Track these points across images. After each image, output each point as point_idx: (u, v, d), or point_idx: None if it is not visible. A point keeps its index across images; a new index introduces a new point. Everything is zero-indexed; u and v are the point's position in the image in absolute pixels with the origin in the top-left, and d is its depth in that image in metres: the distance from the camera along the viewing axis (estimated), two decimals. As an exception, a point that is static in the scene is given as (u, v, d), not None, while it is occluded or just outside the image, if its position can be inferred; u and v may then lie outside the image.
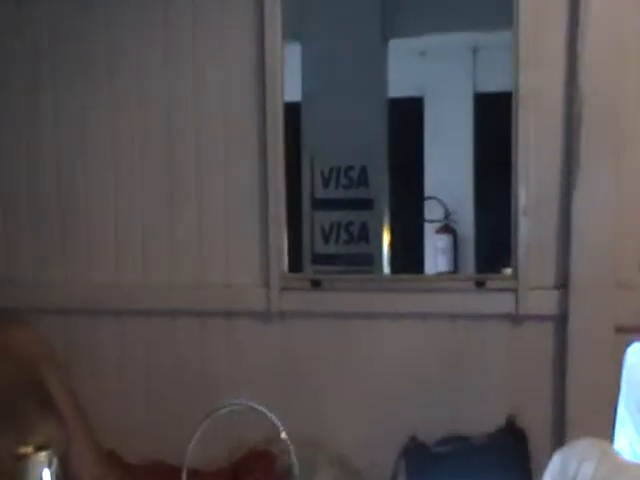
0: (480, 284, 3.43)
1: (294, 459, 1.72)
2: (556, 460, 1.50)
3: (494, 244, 6.63)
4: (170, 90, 3.59)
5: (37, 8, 3.61)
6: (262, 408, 1.70)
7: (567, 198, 3.28)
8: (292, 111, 3.77)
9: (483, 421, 3.31)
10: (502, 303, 3.38)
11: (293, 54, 4.00)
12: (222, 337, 3.57)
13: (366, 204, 5.17)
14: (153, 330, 3.60)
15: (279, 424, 1.71)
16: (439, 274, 6.34)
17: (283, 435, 1.71)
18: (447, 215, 6.71)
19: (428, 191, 6.78)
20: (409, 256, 6.60)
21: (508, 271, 3.52)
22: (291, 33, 3.78)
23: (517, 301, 3.35)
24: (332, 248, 5.14)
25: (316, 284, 3.54)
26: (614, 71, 3.19)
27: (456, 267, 6.66)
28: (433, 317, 3.40)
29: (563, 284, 3.30)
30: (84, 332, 3.56)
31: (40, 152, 3.66)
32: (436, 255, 6.69)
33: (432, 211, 6.74)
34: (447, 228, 6.70)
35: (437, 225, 6.72)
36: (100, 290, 3.62)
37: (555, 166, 3.32)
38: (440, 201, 6.71)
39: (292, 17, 3.66)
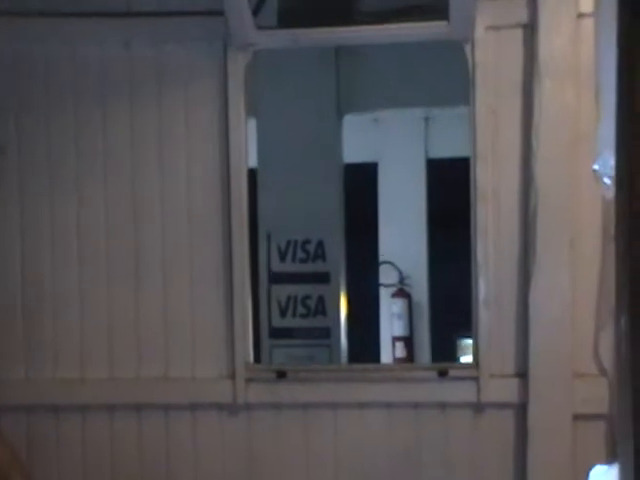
0: (442, 373, 3.43)
1: None
2: None
3: (448, 308, 6.73)
4: (135, 172, 3.58)
5: (5, 107, 3.60)
6: None
7: (525, 289, 3.32)
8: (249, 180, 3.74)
9: None
10: (464, 392, 3.39)
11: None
12: (187, 430, 3.52)
13: (323, 277, 5.18)
14: (117, 424, 3.54)
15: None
16: (400, 363, 6.43)
17: None
18: (402, 279, 6.78)
19: (383, 256, 6.85)
20: (366, 323, 6.66)
21: (465, 342, 3.55)
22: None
23: (479, 389, 3.36)
24: (289, 322, 5.16)
25: (281, 375, 3.50)
26: (567, 166, 3.26)
27: (411, 332, 6.73)
28: (396, 406, 3.39)
29: (522, 373, 3.32)
30: (47, 428, 3.48)
31: (4, 246, 3.61)
32: (392, 320, 6.75)
33: (387, 276, 6.81)
34: (402, 292, 6.76)
35: (392, 289, 6.80)
36: (64, 386, 3.56)
37: (513, 258, 3.36)
38: (395, 265, 6.79)
39: (249, 94, 3.66)
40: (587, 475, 2.06)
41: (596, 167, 1.70)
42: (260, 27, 3.34)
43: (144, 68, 3.55)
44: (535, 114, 3.29)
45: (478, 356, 3.40)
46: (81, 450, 3.50)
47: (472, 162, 3.38)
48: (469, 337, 5.63)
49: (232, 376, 3.50)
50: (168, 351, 3.56)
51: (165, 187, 3.57)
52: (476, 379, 3.37)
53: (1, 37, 3.54)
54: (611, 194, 2.11)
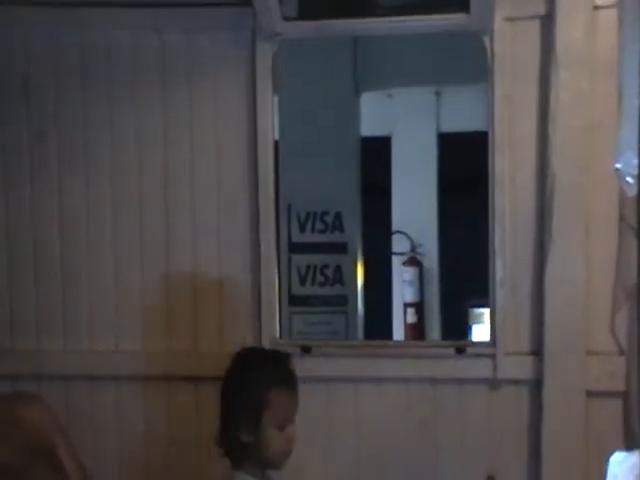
0: (459, 350, 3.43)
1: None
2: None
3: (458, 277, 6.72)
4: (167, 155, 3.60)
5: (43, 94, 3.60)
6: None
7: (540, 271, 3.30)
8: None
9: None
10: (480, 368, 3.38)
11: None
12: (215, 402, 3.53)
13: (341, 247, 5.21)
14: (149, 395, 3.56)
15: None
16: (411, 329, 6.45)
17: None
18: (413, 248, 6.77)
19: (395, 226, 6.85)
20: (379, 290, 6.66)
21: (476, 311, 3.55)
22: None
23: (495, 366, 3.36)
24: (308, 290, 5.18)
25: (306, 350, 3.49)
26: (582, 153, 3.22)
27: (422, 298, 6.74)
28: (414, 382, 3.39)
29: (537, 350, 3.31)
30: (84, 397, 3.52)
31: (43, 228, 3.63)
32: (403, 287, 6.76)
33: (399, 245, 6.82)
34: (413, 260, 6.76)
35: (404, 258, 6.80)
36: (99, 357, 3.58)
37: (529, 241, 3.35)
38: (406, 235, 6.79)
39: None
40: (604, 457, 2.06)
41: (618, 166, 1.67)
42: (285, 18, 3.32)
43: (175, 56, 3.54)
44: (551, 103, 3.25)
45: (495, 334, 3.40)
46: (114, 419, 3.53)
47: (490, 150, 3.35)
48: (480, 306, 5.68)
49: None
50: (197, 325, 3.56)
51: (195, 170, 3.56)
52: (492, 356, 3.36)
53: (37, 27, 3.52)
54: (634, 192, 2.10)
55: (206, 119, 3.56)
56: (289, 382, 2.80)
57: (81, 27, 3.53)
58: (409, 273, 6.74)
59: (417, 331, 6.55)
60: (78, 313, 3.60)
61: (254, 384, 2.73)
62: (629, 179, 1.58)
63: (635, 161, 1.39)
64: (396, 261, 6.84)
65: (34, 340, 3.60)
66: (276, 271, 3.60)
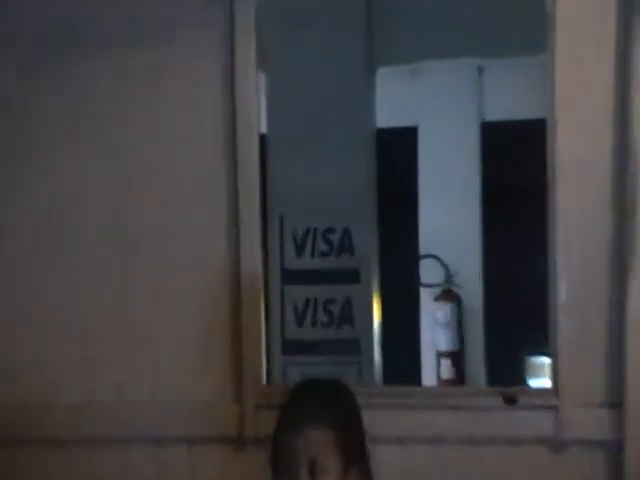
0: (510, 400, 3.46)
1: None
2: None
3: (511, 316, 6.74)
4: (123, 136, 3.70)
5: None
6: None
7: (620, 293, 3.33)
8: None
9: None
10: (539, 424, 3.42)
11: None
12: (184, 468, 3.64)
13: (350, 276, 5.23)
14: (99, 459, 3.65)
15: None
16: (458, 387, 6.45)
17: None
18: (448, 278, 6.80)
19: (424, 248, 6.87)
20: (403, 334, 6.69)
21: (537, 361, 3.58)
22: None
23: (558, 422, 3.39)
24: (307, 333, 5.19)
25: None
26: None
27: (461, 345, 6.75)
28: (448, 442, 3.43)
29: (616, 402, 3.34)
30: (31, 462, 3.63)
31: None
32: (435, 330, 6.77)
33: (430, 273, 6.83)
34: (449, 294, 6.78)
35: (436, 291, 6.82)
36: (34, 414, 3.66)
37: (603, 253, 3.38)
38: (439, 259, 6.81)
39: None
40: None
41: None
42: None
43: (135, 18, 3.67)
44: (634, 64, 3.30)
45: (557, 379, 3.43)
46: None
47: (549, 127, 3.40)
48: (542, 354, 5.69)
49: (239, 401, 3.58)
50: (160, 370, 3.67)
51: (158, 169, 3.69)
52: (555, 408, 3.40)
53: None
54: None
55: (171, 106, 3.68)
56: (303, 416, 2.94)
57: None
58: (443, 311, 6.75)
59: (454, 389, 6.59)
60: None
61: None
62: None
63: None
64: (426, 295, 6.85)
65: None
66: (262, 308, 3.67)
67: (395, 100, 6.25)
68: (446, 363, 6.69)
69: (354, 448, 2.96)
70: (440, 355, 6.71)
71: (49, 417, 3.66)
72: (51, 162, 3.72)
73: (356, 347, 5.16)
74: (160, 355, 3.67)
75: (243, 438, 3.55)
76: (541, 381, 5.84)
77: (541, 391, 3.54)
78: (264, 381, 3.64)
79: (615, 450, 3.34)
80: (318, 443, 2.88)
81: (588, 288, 3.40)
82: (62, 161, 3.71)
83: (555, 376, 3.44)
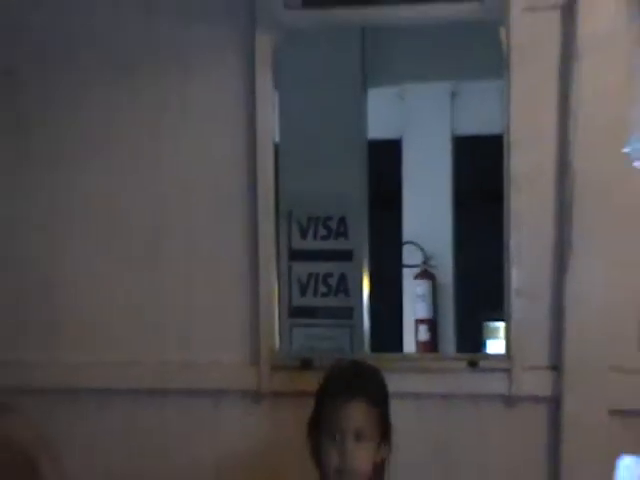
0: (472, 364, 3.46)
1: None
2: None
3: (474, 290, 6.76)
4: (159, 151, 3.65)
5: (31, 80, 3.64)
6: None
7: (560, 280, 3.33)
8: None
9: None
10: (495, 384, 3.41)
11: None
12: (210, 417, 3.59)
13: (345, 255, 5.22)
14: (140, 410, 3.59)
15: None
16: (424, 346, 6.49)
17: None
18: (426, 260, 6.83)
19: (406, 236, 6.89)
20: (388, 304, 6.71)
21: (493, 326, 3.58)
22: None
23: (510, 382, 3.38)
24: (310, 301, 5.20)
25: (307, 363, 3.54)
26: (606, 150, 3.24)
27: (435, 314, 6.78)
28: (425, 397, 3.41)
29: (557, 365, 3.34)
30: (67, 412, 3.54)
31: (29, 247, 3.68)
32: (415, 302, 6.81)
33: (411, 256, 6.86)
34: (426, 273, 6.81)
35: (415, 270, 6.85)
36: (83, 370, 3.60)
37: (548, 246, 3.37)
38: (418, 246, 6.84)
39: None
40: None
41: (627, 150, 1.70)
42: (287, 6, 3.38)
43: (168, 42, 3.61)
44: (572, 97, 3.29)
45: (510, 347, 3.42)
46: (103, 435, 3.56)
47: (505, 147, 3.39)
48: (496, 320, 5.71)
49: (256, 363, 3.54)
50: (191, 336, 3.61)
51: (188, 169, 3.63)
52: (508, 371, 3.39)
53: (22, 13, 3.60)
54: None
55: (200, 116, 3.60)
56: (350, 391, 2.91)
57: (80, 16, 3.62)
58: (421, 287, 6.78)
59: (430, 349, 6.59)
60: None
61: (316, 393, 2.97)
62: (637, 163, 1.62)
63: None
64: (407, 274, 6.88)
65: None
66: (276, 280, 3.64)
67: (383, 116, 6.24)
68: (423, 328, 6.73)
69: (387, 422, 2.96)
70: (418, 322, 6.73)
71: (99, 373, 3.62)
72: (103, 171, 3.68)
73: (349, 313, 5.15)
74: (195, 327, 3.63)
75: (260, 393, 3.53)
76: (496, 341, 5.88)
77: (497, 357, 3.55)
78: (277, 347, 3.60)
79: (555, 403, 3.34)
80: (364, 415, 2.88)
81: (535, 274, 3.39)
82: (112, 172, 3.67)
83: (508, 345, 3.42)
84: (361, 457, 2.87)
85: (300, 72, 4.85)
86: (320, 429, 2.92)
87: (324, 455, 2.89)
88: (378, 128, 5.96)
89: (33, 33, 3.63)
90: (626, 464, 1.73)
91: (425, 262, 6.76)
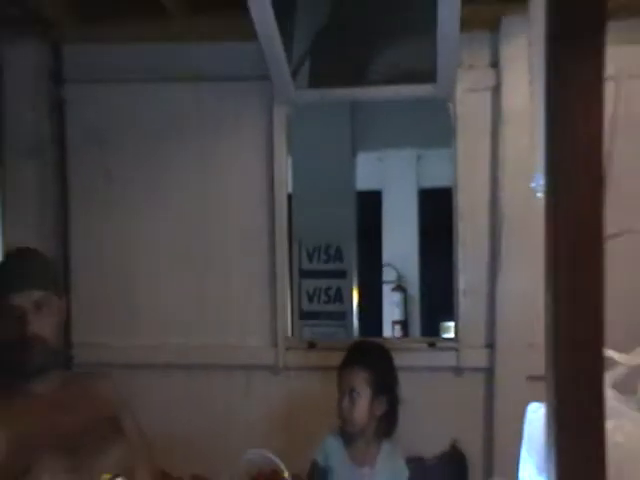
0: (431, 345, 3.49)
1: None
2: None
3: (434, 299, 6.76)
4: (203, 201, 3.64)
5: (114, 149, 3.65)
6: (272, 456, 1.66)
7: (493, 282, 3.38)
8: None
9: (434, 446, 3.39)
10: (447, 359, 3.43)
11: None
12: (242, 387, 3.57)
13: (340, 274, 5.25)
14: (192, 382, 3.58)
15: (283, 467, 1.69)
16: (399, 336, 6.48)
17: (279, 463, 1.71)
18: (399, 277, 6.83)
19: (385, 260, 6.92)
20: (372, 310, 6.72)
21: (449, 328, 3.58)
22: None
23: (458, 357, 3.41)
24: (315, 307, 5.22)
25: (312, 345, 3.56)
26: (525, 192, 3.23)
27: (406, 316, 6.78)
28: (398, 369, 3.25)
29: (491, 344, 3.38)
30: (140, 383, 3.43)
31: (114, 259, 3.67)
32: (392, 308, 6.82)
33: (388, 274, 6.88)
34: (399, 287, 6.82)
35: (392, 285, 6.85)
36: (150, 349, 3.60)
37: (484, 260, 3.41)
38: (394, 267, 6.84)
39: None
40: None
41: (533, 185, 1.74)
42: (297, 87, 3.36)
43: (210, 118, 3.59)
44: (500, 155, 3.35)
45: (458, 332, 3.46)
46: (167, 400, 3.51)
47: (454, 192, 3.44)
48: (450, 320, 5.70)
49: (275, 345, 3.55)
50: (229, 326, 3.61)
51: (227, 215, 3.63)
52: (456, 349, 3.43)
53: (118, 99, 3.64)
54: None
55: (233, 171, 3.60)
56: (350, 360, 2.93)
57: (146, 98, 3.62)
58: (396, 297, 6.78)
59: (402, 342, 6.58)
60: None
61: None
62: (539, 194, 1.66)
63: (541, 181, 1.49)
64: (386, 288, 6.89)
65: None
66: (288, 291, 3.66)
67: (368, 173, 6.27)
68: (397, 327, 6.71)
69: (381, 383, 2.91)
70: (394, 322, 6.72)
71: (162, 352, 3.60)
72: (165, 212, 3.67)
73: (343, 316, 5.18)
74: (232, 321, 3.61)
75: (277, 367, 3.52)
76: (450, 334, 5.87)
77: (449, 339, 3.57)
78: (289, 334, 3.63)
79: (490, 372, 3.37)
80: (357, 379, 2.88)
81: (475, 279, 3.42)
82: (171, 211, 3.66)
83: (457, 331, 3.48)
84: (354, 411, 2.86)
85: (307, 140, 4.84)
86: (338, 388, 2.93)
87: (337, 407, 2.90)
88: (364, 182, 5.99)
89: (119, 117, 3.65)
90: (533, 408, 1.77)
91: (399, 279, 6.76)
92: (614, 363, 1.70)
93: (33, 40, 3.41)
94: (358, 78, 3.43)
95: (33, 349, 2.24)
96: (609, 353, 1.65)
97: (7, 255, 2.72)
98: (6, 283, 2.25)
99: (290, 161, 3.81)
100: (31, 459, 2.15)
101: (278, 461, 1.66)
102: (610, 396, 1.65)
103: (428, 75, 3.25)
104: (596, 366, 1.34)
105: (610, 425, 1.43)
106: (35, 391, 2.32)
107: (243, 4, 2.76)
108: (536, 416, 1.74)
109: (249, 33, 2.92)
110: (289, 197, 3.68)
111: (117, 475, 2.08)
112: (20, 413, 2.27)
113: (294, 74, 3.29)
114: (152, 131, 3.63)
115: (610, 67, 2.67)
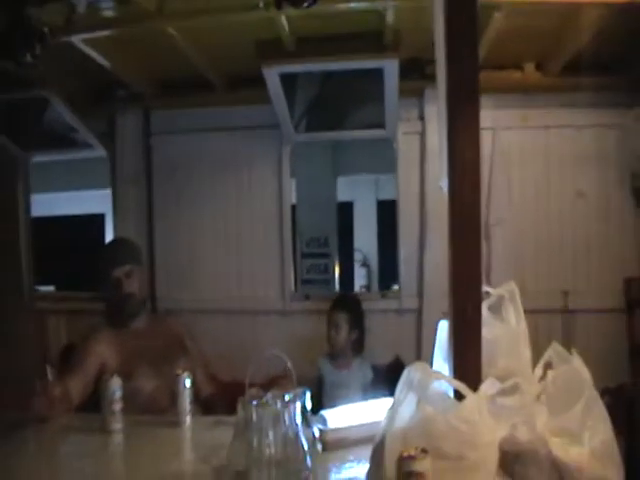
0: (384, 295, 3.60)
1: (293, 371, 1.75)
2: (405, 373, 1.47)
3: (387, 272, 6.75)
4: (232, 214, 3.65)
5: (180, 169, 3.60)
6: (283, 355, 1.71)
7: (422, 253, 3.43)
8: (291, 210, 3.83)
9: (385, 359, 3.36)
10: (393, 304, 3.50)
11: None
12: (261, 325, 3.55)
13: (327, 255, 5.25)
14: (230, 323, 3.55)
15: (289, 363, 1.72)
16: (365, 292, 6.47)
17: (289, 365, 1.71)
18: (364, 258, 6.89)
19: (356, 246, 6.96)
20: (347, 278, 6.72)
21: (396, 287, 3.65)
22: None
23: (400, 302, 3.49)
24: (311, 276, 5.23)
25: (307, 297, 3.64)
26: (438, 192, 3.30)
27: (369, 281, 6.81)
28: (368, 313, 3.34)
29: (420, 293, 3.44)
30: (195, 323, 3.25)
31: (182, 244, 3.61)
32: (360, 277, 6.87)
33: (358, 256, 6.92)
34: (365, 264, 6.88)
35: (360, 262, 6.92)
36: (201, 300, 3.56)
37: (415, 242, 3.47)
38: (361, 251, 6.92)
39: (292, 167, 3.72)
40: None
41: (441, 184, 1.70)
42: (297, 131, 3.40)
43: (239, 156, 3.61)
44: (426, 177, 3.43)
45: (400, 287, 3.53)
46: (212, 332, 3.31)
47: (397, 200, 3.51)
48: (396, 284, 5.67)
49: (283, 297, 3.60)
50: (254, 286, 3.62)
51: (252, 219, 3.64)
52: (399, 297, 3.50)
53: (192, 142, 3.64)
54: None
55: (253, 191, 3.62)
56: (335, 305, 2.99)
57: (201, 144, 3.63)
58: (362, 271, 6.81)
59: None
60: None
61: None
62: (444, 191, 1.69)
63: (446, 184, 1.61)
64: (356, 265, 6.90)
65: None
66: (292, 266, 3.68)
67: (345, 190, 6.19)
68: (363, 290, 6.68)
69: (354, 320, 2.96)
70: (361, 287, 6.67)
71: (207, 302, 3.56)
72: (212, 211, 3.66)
73: (328, 282, 5.14)
74: (255, 282, 3.57)
75: (285, 312, 3.52)
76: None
77: (394, 291, 3.58)
78: (293, 290, 3.64)
79: (419, 312, 3.43)
80: (339, 317, 2.97)
81: (409, 252, 3.46)
82: (215, 212, 3.63)
83: (399, 286, 3.51)
84: (338, 338, 2.96)
85: (304, 168, 4.79)
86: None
87: (326, 337, 2.97)
88: (342, 196, 5.92)
89: (185, 156, 3.61)
90: (442, 325, 1.84)
91: (364, 259, 6.77)
92: (488, 294, 1.76)
93: (133, 109, 3.50)
94: (338, 126, 3.49)
95: (127, 302, 2.35)
96: (485, 288, 1.73)
97: (108, 243, 2.85)
98: (108, 261, 2.36)
99: (293, 182, 3.89)
100: (132, 368, 2.23)
101: (286, 358, 1.70)
102: (485, 314, 1.73)
103: (381, 124, 3.35)
104: (477, 296, 1.54)
105: (484, 330, 1.60)
106: (132, 327, 2.44)
107: (262, 81, 2.90)
108: (443, 326, 1.80)
109: (266, 99, 3.06)
110: (293, 206, 3.78)
111: (184, 371, 2.18)
112: (124, 340, 2.39)
113: (296, 125, 3.37)
114: (206, 165, 3.67)
115: (488, 121, 2.81)
